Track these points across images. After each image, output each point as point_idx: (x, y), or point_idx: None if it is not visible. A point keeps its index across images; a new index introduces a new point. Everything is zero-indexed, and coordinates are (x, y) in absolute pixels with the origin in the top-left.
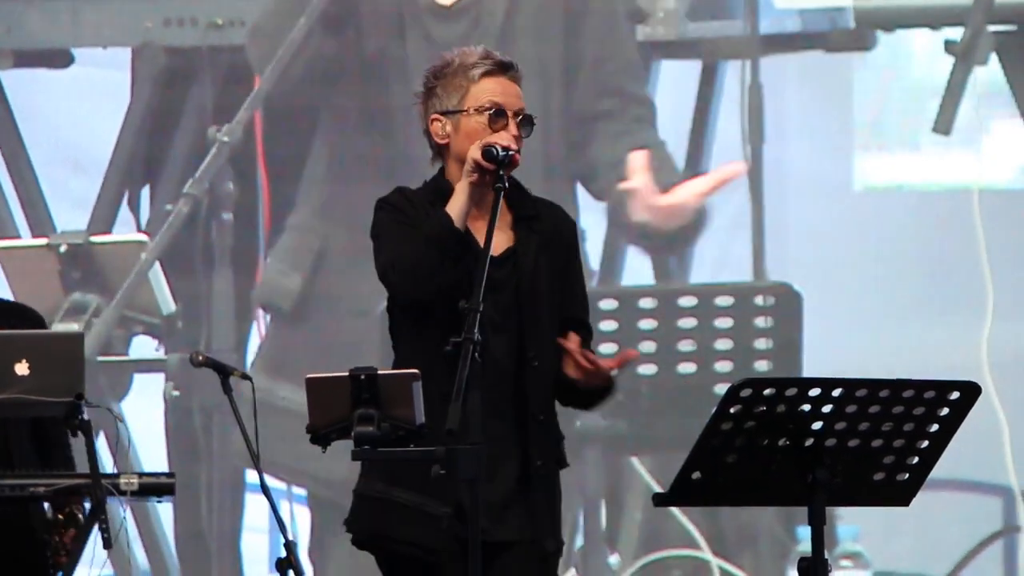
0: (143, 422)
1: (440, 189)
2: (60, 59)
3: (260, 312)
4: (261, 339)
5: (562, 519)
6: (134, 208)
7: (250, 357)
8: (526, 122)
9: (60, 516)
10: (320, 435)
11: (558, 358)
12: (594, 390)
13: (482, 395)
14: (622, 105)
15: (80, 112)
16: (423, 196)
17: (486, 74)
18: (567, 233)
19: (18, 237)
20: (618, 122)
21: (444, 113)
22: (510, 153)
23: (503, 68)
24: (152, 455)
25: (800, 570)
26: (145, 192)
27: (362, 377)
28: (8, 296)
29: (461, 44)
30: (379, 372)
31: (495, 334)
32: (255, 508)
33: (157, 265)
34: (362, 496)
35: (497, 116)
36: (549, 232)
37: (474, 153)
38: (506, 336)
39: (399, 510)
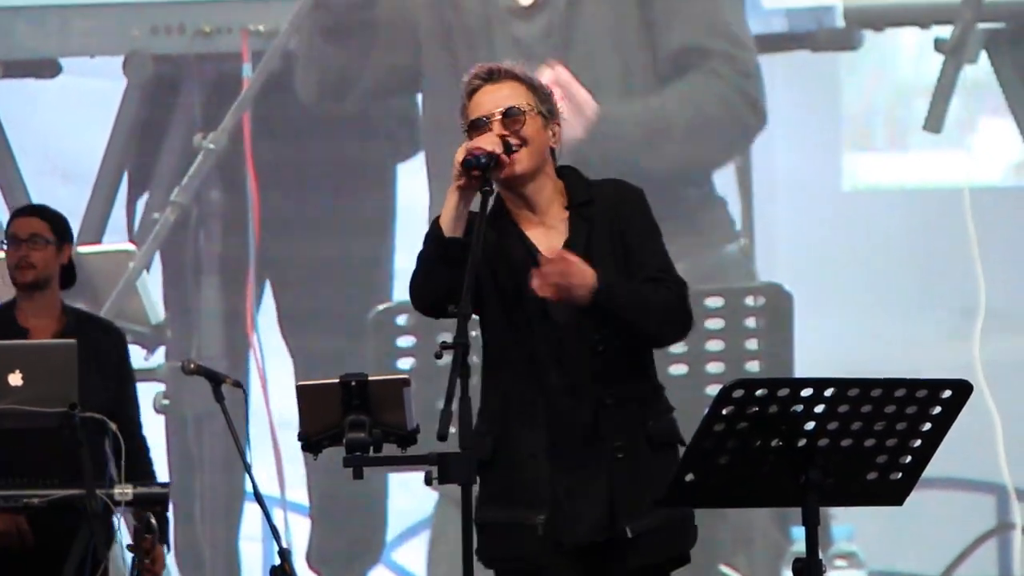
0: None
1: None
2: (48, 69)
3: (255, 320)
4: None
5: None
6: (131, 216)
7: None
8: (515, 112)
9: (137, 524)
10: (312, 442)
11: (627, 345)
12: (604, 309)
13: (565, 385)
14: (699, 58)
15: (69, 122)
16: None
17: (472, 92)
18: (627, 204)
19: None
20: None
21: (467, 132)
22: (482, 159)
23: (485, 78)
24: None
25: (795, 571)
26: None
27: (352, 383)
28: None
29: (543, 38)
30: (369, 378)
31: (566, 326)
32: (250, 516)
33: (145, 274)
34: (477, 524)
35: (479, 126)
36: (602, 214)
37: (458, 156)
38: (575, 327)
39: (497, 529)
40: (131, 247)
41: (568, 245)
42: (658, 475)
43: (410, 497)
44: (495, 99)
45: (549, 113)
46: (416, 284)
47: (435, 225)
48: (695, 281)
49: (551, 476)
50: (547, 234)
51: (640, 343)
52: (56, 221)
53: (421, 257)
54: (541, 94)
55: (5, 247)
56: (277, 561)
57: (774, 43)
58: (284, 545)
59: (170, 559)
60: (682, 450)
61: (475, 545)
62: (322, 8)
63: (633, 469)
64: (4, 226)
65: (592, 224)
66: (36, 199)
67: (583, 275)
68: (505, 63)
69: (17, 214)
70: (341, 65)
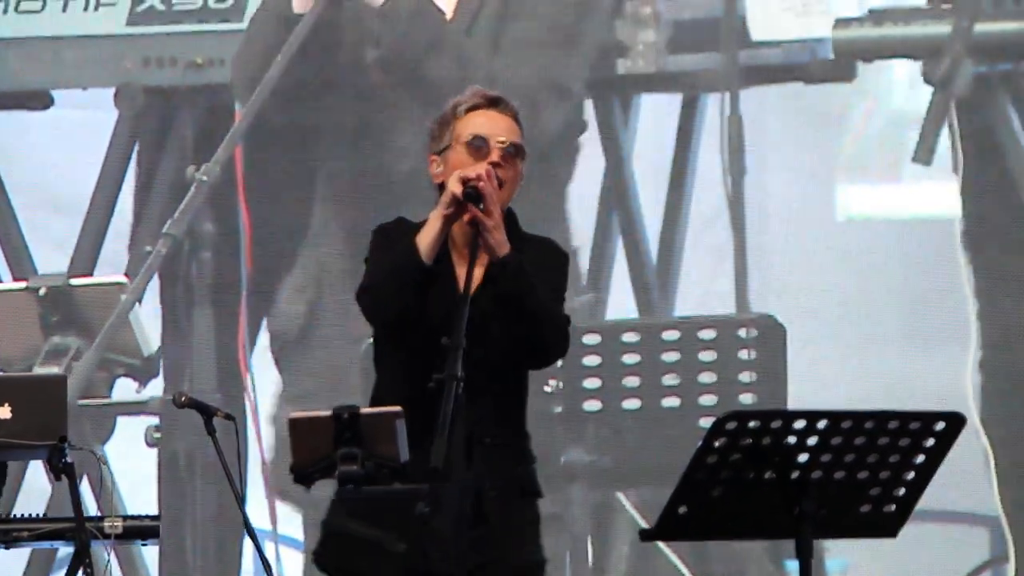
0: (128, 464)
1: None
2: (40, 100)
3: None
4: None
5: (541, 546)
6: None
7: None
8: (514, 151)
9: None
10: (304, 474)
11: (516, 386)
12: (511, 280)
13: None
14: None
15: (60, 153)
16: (420, 227)
17: (471, 108)
18: (547, 261)
19: None
20: None
21: (438, 153)
22: (470, 188)
23: (490, 103)
24: (137, 498)
25: None
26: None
27: (345, 416)
28: None
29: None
30: (361, 411)
31: (476, 363)
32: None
33: (138, 306)
34: (328, 527)
35: (476, 144)
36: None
37: (453, 186)
38: (479, 366)
39: (358, 544)
40: (123, 279)
41: (481, 285)
42: (522, 520)
43: None
44: (499, 126)
45: (524, 159)
46: (383, 297)
47: (414, 247)
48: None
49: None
50: (478, 270)
51: (526, 350)
52: None
53: (393, 272)
54: (523, 138)
55: None
56: None
57: (767, 75)
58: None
59: None
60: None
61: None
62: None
63: (503, 512)
64: None
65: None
66: (28, 231)
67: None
68: (508, 98)
69: None
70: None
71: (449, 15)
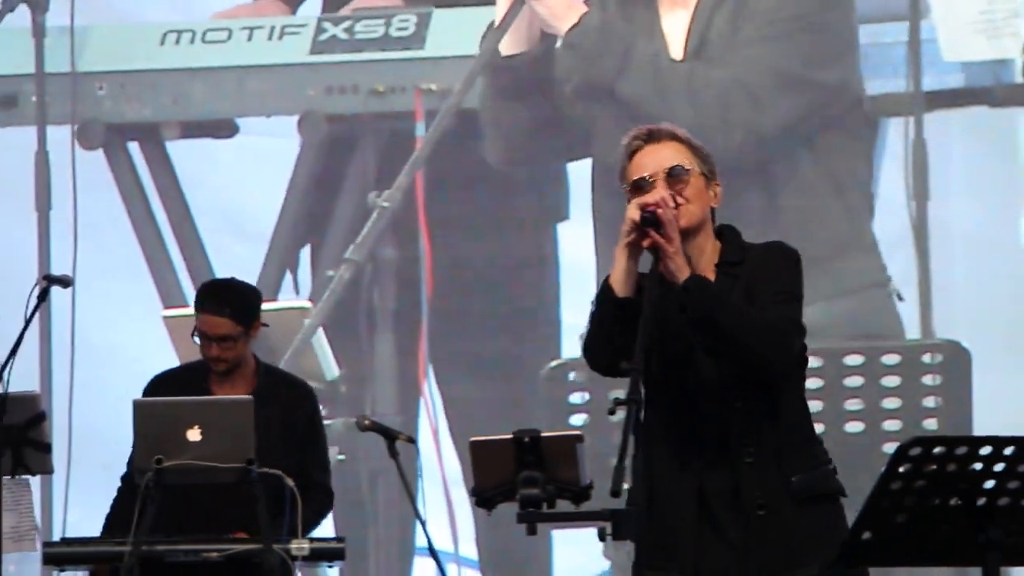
0: None
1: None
2: (225, 129)
3: (427, 371)
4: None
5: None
6: (294, 271)
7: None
8: (676, 173)
9: None
10: (485, 497)
11: (764, 398)
12: (698, 305)
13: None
14: None
15: (245, 180)
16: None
17: (632, 153)
18: (774, 259)
19: (186, 305)
20: None
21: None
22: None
23: (646, 139)
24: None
25: None
26: (305, 256)
27: (526, 440)
28: (175, 362)
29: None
30: (542, 435)
31: (707, 382)
32: (423, 570)
33: (320, 331)
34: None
35: (634, 191)
36: (749, 272)
37: (632, 212)
38: (715, 384)
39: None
40: (307, 304)
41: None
42: (803, 531)
43: (579, 553)
44: (657, 159)
45: (710, 173)
46: (591, 345)
47: (607, 286)
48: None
49: (695, 537)
50: None
51: (744, 366)
52: (241, 310)
53: (595, 319)
54: (701, 154)
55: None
56: None
57: (951, 99)
58: None
59: None
60: (842, 502)
61: None
62: (499, 69)
63: (775, 525)
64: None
65: (736, 281)
66: (213, 257)
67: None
68: (664, 124)
69: (205, 307)
70: (524, 125)
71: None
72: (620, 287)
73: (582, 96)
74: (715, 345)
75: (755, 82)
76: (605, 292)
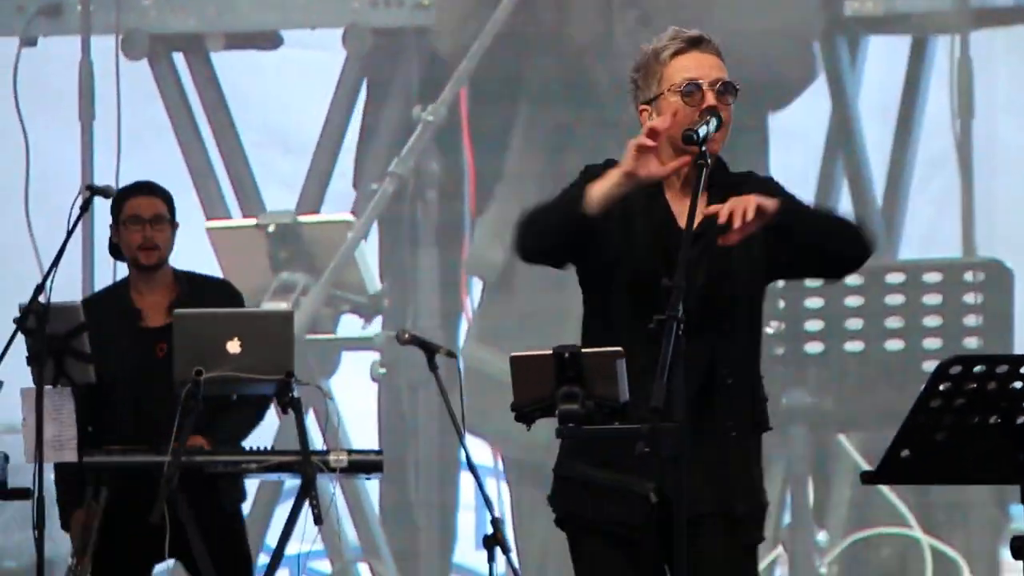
0: (351, 400)
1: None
2: (269, 41)
3: (469, 285)
4: (471, 311)
5: (764, 487)
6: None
7: (462, 331)
8: (726, 90)
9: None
10: (524, 412)
11: (755, 323)
12: (788, 226)
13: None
14: None
15: (289, 93)
16: None
17: (676, 54)
18: (773, 189)
19: (229, 217)
20: None
21: (648, 103)
22: (699, 132)
23: (693, 43)
24: (359, 432)
25: (1013, 549)
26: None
27: (566, 355)
28: (218, 274)
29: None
30: (583, 350)
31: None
32: (463, 485)
33: (363, 244)
34: (564, 478)
35: (689, 90)
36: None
37: (663, 126)
38: (697, 307)
39: (602, 491)
40: (350, 217)
41: (705, 222)
42: (757, 461)
43: None
44: (708, 67)
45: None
46: (539, 231)
47: (582, 194)
48: None
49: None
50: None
51: (821, 265)
52: (171, 200)
53: (553, 211)
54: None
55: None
56: (490, 530)
57: (996, 17)
58: (497, 514)
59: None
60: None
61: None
62: None
63: (744, 449)
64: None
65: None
66: (257, 170)
67: (760, 202)
68: (707, 33)
69: (135, 192)
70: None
71: None
72: (596, 204)
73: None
74: (798, 252)
75: None
76: (577, 200)
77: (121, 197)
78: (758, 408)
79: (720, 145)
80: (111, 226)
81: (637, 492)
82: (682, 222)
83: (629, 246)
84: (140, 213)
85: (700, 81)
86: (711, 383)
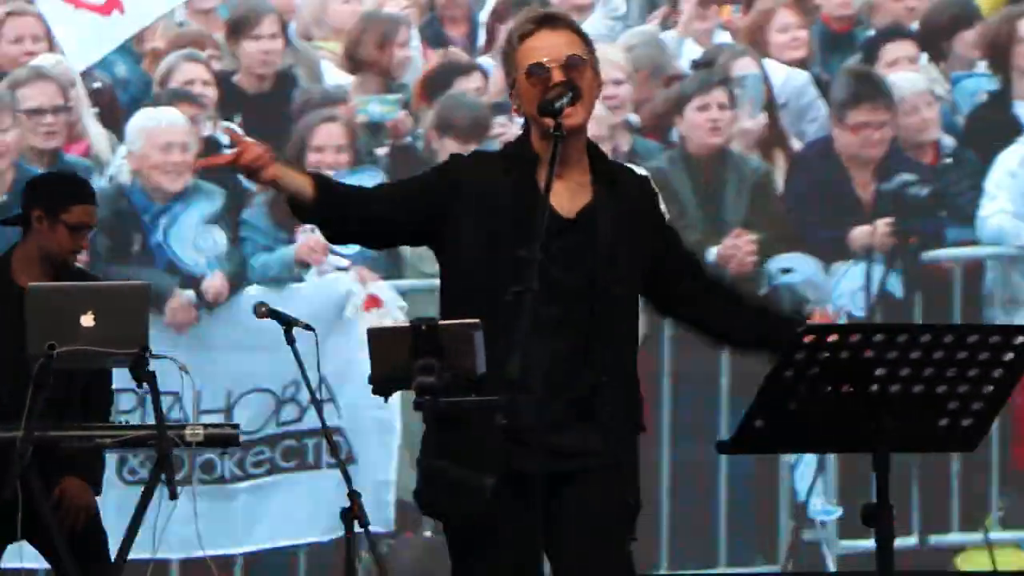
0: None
1: (518, 153)
2: None
3: None
4: None
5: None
6: None
7: None
8: (574, 63)
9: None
10: (382, 385)
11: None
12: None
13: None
14: None
15: None
16: (498, 156)
17: (523, 36)
18: (651, 199)
19: None
20: None
21: (512, 87)
22: (556, 104)
23: (540, 23)
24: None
25: (863, 516)
26: None
27: (423, 327)
28: None
29: None
30: (440, 323)
31: (566, 285)
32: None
33: None
34: (422, 469)
35: (536, 72)
36: (629, 197)
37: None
38: (579, 289)
39: (447, 485)
40: None
41: (590, 208)
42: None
43: None
44: (554, 45)
45: (597, 69)
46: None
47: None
48: None
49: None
50: (569, 194)
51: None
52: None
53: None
54: (591, 46)
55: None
56: (347, 503)
57: None
58: (355, 487)
59: None
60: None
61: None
62: None
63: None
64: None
65: (619, 202)
66: None
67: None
68: (560, 11)
69: (86, 199)
70: None
71: None
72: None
73: None
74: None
75: None
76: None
77: (69, 197)
78: (634, 409)
79: (582, 119)
80: (36, 210)
81: (474, 485)
82: (564, 205)
83: (490, 220)
84: (88, 222)
85: (544, 61)
86: (595, 388)
